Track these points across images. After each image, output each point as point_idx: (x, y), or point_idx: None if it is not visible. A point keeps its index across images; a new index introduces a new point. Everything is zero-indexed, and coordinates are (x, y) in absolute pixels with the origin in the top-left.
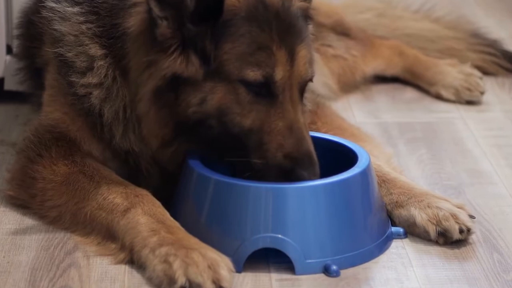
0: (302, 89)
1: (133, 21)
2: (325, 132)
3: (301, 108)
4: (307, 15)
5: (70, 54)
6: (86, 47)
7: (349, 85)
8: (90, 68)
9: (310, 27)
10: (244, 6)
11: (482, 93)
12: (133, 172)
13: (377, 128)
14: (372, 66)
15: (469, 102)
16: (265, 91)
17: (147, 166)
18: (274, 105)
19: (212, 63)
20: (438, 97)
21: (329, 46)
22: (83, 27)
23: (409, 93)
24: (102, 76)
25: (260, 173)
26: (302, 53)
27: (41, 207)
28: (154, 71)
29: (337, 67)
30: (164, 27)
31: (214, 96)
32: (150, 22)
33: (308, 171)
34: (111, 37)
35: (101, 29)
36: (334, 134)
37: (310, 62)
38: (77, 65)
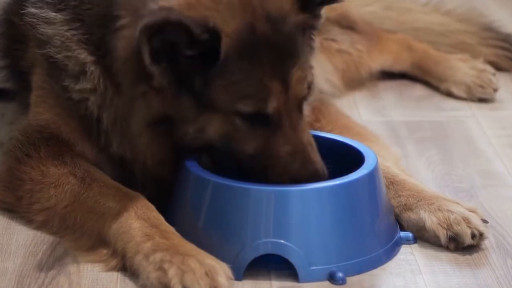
0: (301, 104)
1: (121, 45)
2: (329, 131)
3: (303, 125)
4: (306, 28)
5: (60, 56)
6: (75, 52)
7: (354, 82)
8: (83, 72)
9: (314, 38)
10: (236, 40)
11: (495, 90)
12: (127, 176)
13: (383, 127)
14: (379, 61)
15: (482, 100)
16: (262, 120)
17: (139, 175)
18: (274, 132)
19: (205, 98)
20: (449, 94)
21: (333, 40)
22: (67, 33)
23: (418, 90)
24: (95, 81)
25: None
26: (296, 75)
27: (28, 210)
28: (145, 105)
29: (341, 62)
30: (158, 77)
31: (212, 127)
32: (139, 58)
33: None
34: (98, 46)
35: (86, 36)
36: (339, 133)
37: (306, 77)
38: (70, 68)
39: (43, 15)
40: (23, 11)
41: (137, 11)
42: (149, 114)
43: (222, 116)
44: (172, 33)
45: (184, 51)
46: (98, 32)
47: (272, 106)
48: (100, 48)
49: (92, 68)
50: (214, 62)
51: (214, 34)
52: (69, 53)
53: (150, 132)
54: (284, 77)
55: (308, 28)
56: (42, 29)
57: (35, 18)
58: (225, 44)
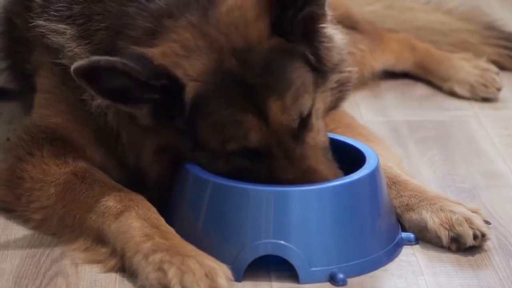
0: (296, 133)
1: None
2: (333, 129)
3: (300, 153)
4: (288, 49)
5: None
6: None
7: (356, 81)
8: None
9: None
10: (205, 83)
11: (498, 89)
12: (134, 181)
13: (385, 127)
14: (381, 61)
15: (485, 99)
16: (251, 154)
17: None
18: (272, 163)
19: (195, 138)
20: (452, 93)
21: None
22: (77, 49)
23: (420, 89)
24: None
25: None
26: (275, 106)
27: (27, 209)
28: (147, 138)
29: None
30: (143, 118)
31: (218, 164)
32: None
33: None
34: None
35: (95, 54)
36: (342, 133)
37: (294, 104)
38: None
39: (53, 27)
40: (29, 23)
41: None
42: (152, 146)
43: (221, 156)
44: (112, 77)
45: (146, 94)
46: (107, 48)
47: (252, 140)
48: None
49: None
50: (184, 107)
51: (174, 81)
52: None
53: (159, 158)
54: (259, 109)
55: (291, 49)
56: (53, 39)
57: (44, 29)
58: (194, 88)
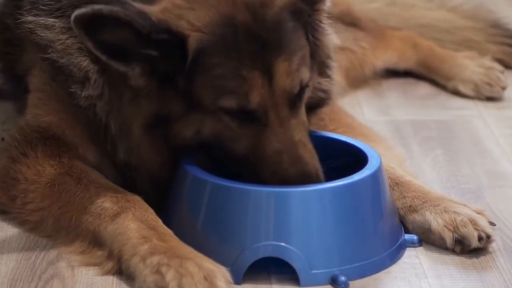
0: (293, 102)
1: None
2: (333, 130)
3: (295, 124)
4: (296, 10)
5: (63, 60)
6: (77, 59)
7: (357, 80)
8: (87, 79)
9: (299, 33)
10: (211, 34)
11: (503, 88)
12: (129, 181)
13: (388, 127)
14: (383, 59)
15: (489, 98)
16: (247, 116)
17: (140, 180)
18: (262, 129)
19: (191, 97)
20: (455, 92)
21: None
22: (68, 41)
23: (424, 88)
24: (101, 88)
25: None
26: (281, 66)
27: (22, 211)
28: (137, 108)
29: (344, 60)
30: (137, 77)
31: (206, 127)
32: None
33: None
34: None
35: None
36: (343, 133)
37: (297, 71)
38: (75, 74)
39: (42, 21)
40: (20, 20)
41: None
42: (142, 117)
43: (211, 115)
44: (112, 28)
45: (144, 50)
46: None
47: (254, 100)
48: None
49: (96, 76)
50: (185, 61)
51: (176, 34)
52: (72, 59)
53: (148, 136)
54: (267, 68)
55: (301, 10)
56: (42, 34)
57: (33, 25)
58: (197, 39)
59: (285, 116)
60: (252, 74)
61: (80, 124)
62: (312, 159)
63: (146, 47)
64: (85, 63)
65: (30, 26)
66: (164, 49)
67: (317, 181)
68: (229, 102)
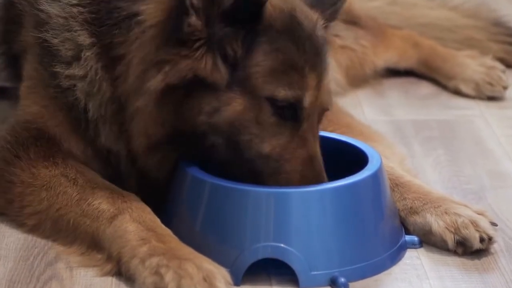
0: (320, 119)
1: (150, 9)
2: (332, 131)
3: (318, 137)
4: (327, 43)
5: (56, 41)
6: (75, 33)
7: (358, 79)
8: (76, 58)
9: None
10: (279, 18)
11: (505, 87)
12: (114, 172)
13: (389, 126)
14: (384, 58)
15: (491, 98)
16: (291, 115)
17: (124, 170)
18: (296, 132)
19: (239, 72)
20: (457, 92)
21: (336, 36)
22: (75, 10)
23: (425, 88)
24: (88, 68)
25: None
26: (326, 80)
27: (20, 214)
28: (170, 70)
29: (345, 59)
30: (194, 18)
31: (231, 109)
32: (178, 11)
33: None
34: (103, 25)
35: (93, 15)
36: (342, 133)
37: (330, 92)
38: (62, 54)
39: None
40: None
41: None
42: (175, 78)
43: (250, 99)
44: None
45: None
46: (109, 6)
47: (308, 99)
48: (105, 25)
49: (88, 53)
50: (256, 25)
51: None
52: (67, 35)
53: (160, 99)
54: (319, 75)
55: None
56: (44, 6)
57: None
58: (273, 12)
59: (316, 128)
60: (311, 75)
61: (62, 111)
62: (324, 174)
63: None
64: (81, 38)
65: None
66: (241, 7)
67: None
68: (285, 93)
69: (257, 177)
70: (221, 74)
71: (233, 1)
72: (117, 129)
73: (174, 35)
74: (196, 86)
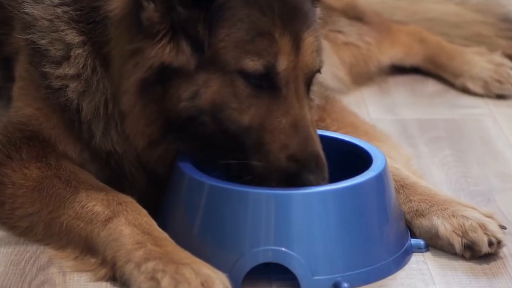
0: (308, 82)
1: (115, 3)
2: (335, 130)
3: (308, 103)
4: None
5: (43, 42)
6: (62, 33)
7: (362, 77)
8: (66, 58)
9: (318, 11)
10: None
11: None
12: (115, 176)
13: (394, 126)
14: (389, 54)
15: (500, 96)
16: (267, 83)
17: (131, 169)
18: (276, 100)
19: (206, 52)
20: (464, 90)
21: (340, 32)
22: (58, 10)
23: (431, 85)
24: (80, 66)
25: (261, 177)
26: (308, 40)
27: (11, 216)
28: (140, 60)
29: (348, 56)
30: (150, 11)
31: (208, 90)
32: (135, 5)
33: (315, 175)
34: (90, 22)
35: (78, 12)
36: (346, 133)
37: (318, 51)
38: (52, 54)
39: None
40: None
41: None
42: (145, 69)
43: (222, 76)
44: None
45: None
46: (90, 5)
47: (281, 65)
48: (92, 22)
49: (78, 51)
50: (214, 1)
51: None
52: (55, 35)
53: (142, 98)
54: (296, 37)
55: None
56: (28, 9)
57: None
58: None
59: (302, 92)
60: (284, 38)
61: (56, 113)
62: (319, 142)
63: None
64: (70, 37)
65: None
66: None
67: (323, 165)
68: (253, 63)
69: (243, 151)
70: (187, 57)
71: None
72: (122, 130)
73: (138, 28)
74: (170, 76)
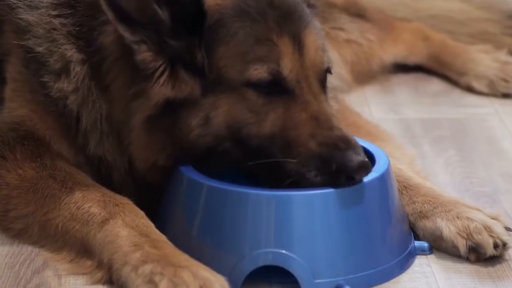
0: (322, 80)
1: (110, 41)
2: None
3: (326, 100)
4: (308, 2)
5: (40, 49)
6: (62, 47)
7: (364, 75)
8: (65, 71)
9: (312, 12)
10: (230, 2)
11: None
12: (105, 180)
13: (397, 125)
14: (392, 52)
15: (505, 95)
16: (277, 88)
17: (118, 178)
18: (292, 101)
19: (208, 75)
20: (469, 89)
21: (341, 29)
22: (56, 21)
23: (435, 84)
24: (79, 84)
25: (298, 174)
26: (310, 38)
27: (5, 218)
28: (143, 102)
29: (350, 53)
30: (142, 53)
31: (219, 112)
32: (128, 48)
33: (353, 151)
34: (90, 43)
35: (78, 28)
36: None
37: (323, 48)
38: (50, 65)
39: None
40: None
41: None
42: (150, 108)
43: (231, 94)
44: None
45: (162, 16)
46: (89, 23)
47: (286, 67)
48: (91, 44)
49: (78, 68)
50: (203, 24)
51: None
52: (53, 47)
53: (149, 129)
54: (295, 36)
55: (309, 4)
56: (22, 15)
57: (16, 0)
58: (214, 6)
59: (317, 90)
60: (283, 40)
61: (51, 115)
62: (347, 130)
63: (156, 15)
64: (69, 53)
65: (12, 1)
66: (177, 12)
67: (356, 144)
68: (259, 72)
69: (271, 157)
70: (191, 86)
71: (171, 15)
72: (116, 142)
73: (134, 72)
74: (177, 107)
